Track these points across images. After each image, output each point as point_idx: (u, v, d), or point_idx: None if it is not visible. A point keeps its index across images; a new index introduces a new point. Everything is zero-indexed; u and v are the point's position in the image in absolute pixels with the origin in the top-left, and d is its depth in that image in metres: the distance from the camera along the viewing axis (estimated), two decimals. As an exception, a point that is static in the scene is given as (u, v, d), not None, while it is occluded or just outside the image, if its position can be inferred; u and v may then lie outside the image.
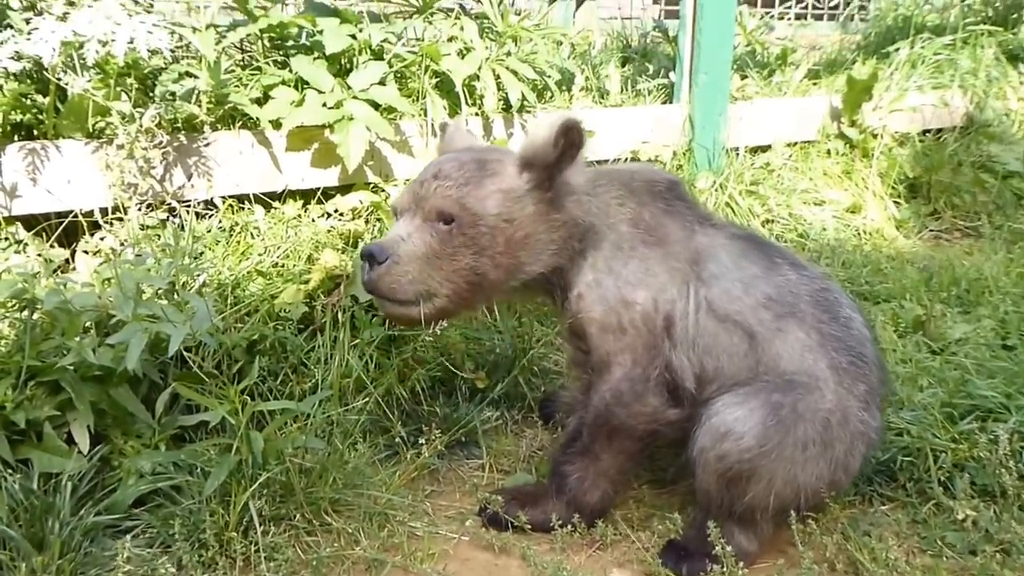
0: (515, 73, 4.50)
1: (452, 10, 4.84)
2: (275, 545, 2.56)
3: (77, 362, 2.69)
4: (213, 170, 3.83)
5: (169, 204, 3.72)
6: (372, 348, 3.34)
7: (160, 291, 3.12)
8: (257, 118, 3.89)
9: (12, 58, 3.29)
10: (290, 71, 4.05)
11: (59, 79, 3.46)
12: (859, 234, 5.40)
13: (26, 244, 3.48)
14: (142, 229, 3.59)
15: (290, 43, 4.31)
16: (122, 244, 3.54)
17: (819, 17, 9.22)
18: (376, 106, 4.01)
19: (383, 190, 4.16)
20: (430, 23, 4.63)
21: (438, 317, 2.79)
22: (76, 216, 3.57)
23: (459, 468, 3.17)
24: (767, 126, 5.65)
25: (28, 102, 3.59)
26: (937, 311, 4.09)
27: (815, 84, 6.35)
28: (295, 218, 3.98)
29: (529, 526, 2.74)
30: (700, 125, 5.29)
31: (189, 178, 3.78)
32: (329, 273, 3.55)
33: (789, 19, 8.46)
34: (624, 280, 2.72)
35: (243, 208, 3.94)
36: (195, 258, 3.56)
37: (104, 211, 3.60)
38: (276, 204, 4.01)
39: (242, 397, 2.63)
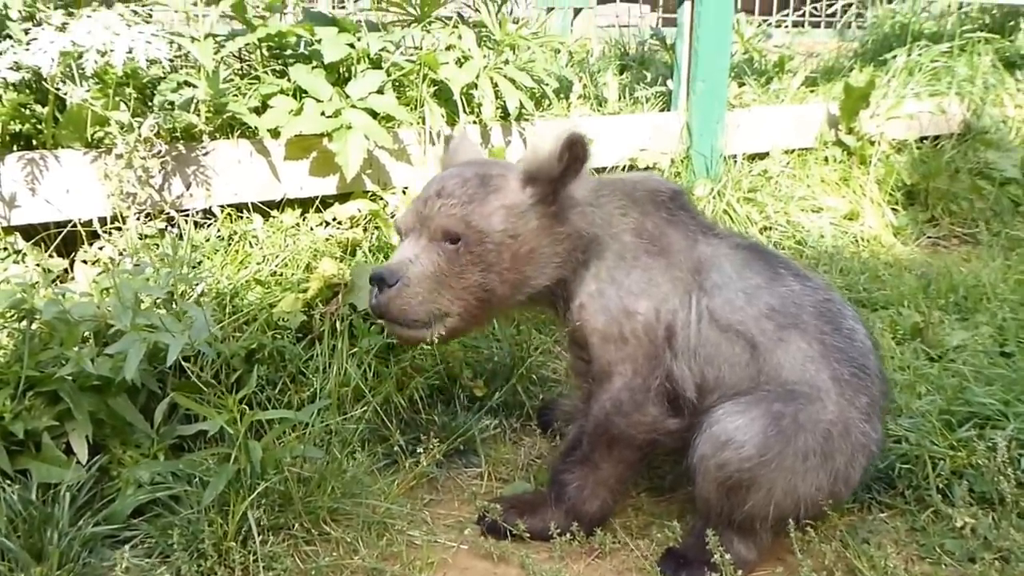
0: (513, 81, 4.50)
1: (450, 19, 4.85)
2: (274, 555, 2.56)
3: (76, 372, 2.69)
4: (212, 179, 3.83)
5: (168, 213, 3.72)
6: (370, 357, 3.35)
7: (159, 301, 3.12)
8: (256, 127, 3.89)
9: (11, 68, 3.29)
10: (288, 80, 4.06)
11: (58, 89, 3.47)
12: (857, 241, 5.40)
13: (25, 254, 3.49)
14: (141, 238, 3.60)
15: (288, 52, 4.32)
16: (121, 254, 3.54)
17: (816, 25, 9.23)
18: (374, 115, 4.01)
19: (381, 198, 4.16)
20: (428, 32, 4.63)
21: (449, 337, 2.80)
22: (75, 226, 3.58)
23: (458, 477, 3.16)
24: (765, 133, 5.65)
25: (27, 112, 3.60)
26: (935, 318, 4.10)
27: (812, 91, 6.36)
28: (293, 227, 3.98)
29: (528, 535, 2.74)
30: (698, 132, 5.30)
31: (188, 187, 3.79)
32: (327, 282, 3.55)
33: (786, 27, 8.47)
34: (627, 290, 2.71)
35: (242, 217, 3.95)
36: (194, 267, 3.57)
37: (103, 221, 3.60)
38: (275, 213, 4.01)
39: (240, 406, 2.63)
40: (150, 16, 3.81)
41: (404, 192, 4.12)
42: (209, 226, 3.87)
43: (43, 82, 3.46)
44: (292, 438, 2.87)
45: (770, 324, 2.63)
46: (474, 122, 4.50)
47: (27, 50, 3.29)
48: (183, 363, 2.84)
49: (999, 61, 7.04)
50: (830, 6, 9.22)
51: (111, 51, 3.34)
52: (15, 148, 3.59)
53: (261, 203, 3.99)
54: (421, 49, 4.51)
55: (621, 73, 6.11)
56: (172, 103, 3.77)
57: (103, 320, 2.92)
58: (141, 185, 3.60)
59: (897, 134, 6.05)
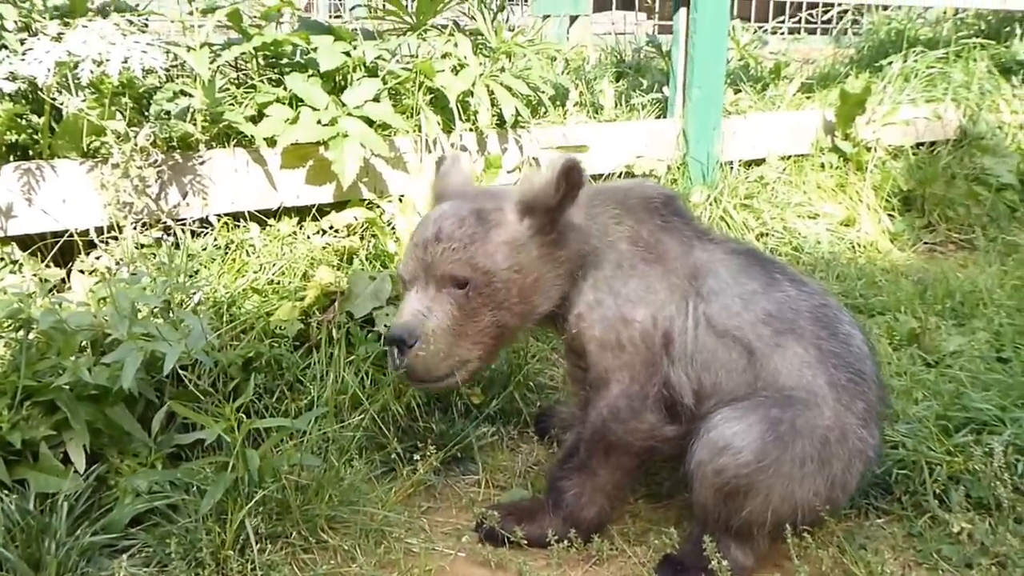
0: (509, 89, 4.51)
1: (446, 27, 4.85)
2: (272, 563, 2.56)
3: (73, 382, 2.70)
4: (208, 188, 3.83)
5: (164, 223, 3.72)
6: (367, 364, 3.35)
7: (156, 310, 3.12)
8: (252, 136, 3.90)
9: (7, 78, 3.29)
10: (284, 89, 4.06)
11: (54, 99, 3.47)
12: (853, 247, 5.41)
13: (21, 264, 3.49)
14: (137, 248, 3.60)
15: (284, 61, 4.32)
16: (117, 263, 3.54)
17: (812, 31, 9.24)
18: (370, 123, 4.02)
19: (378, 206, 4.16)
20: (424, 40, 4.64)
21: (471, 378, 2.83)
22: (71, 235, 3.58)
23: (455, 484, 3.17)
24: (761, 140, 5.66)
25: (23, 122, 3.60)
26: (932, 324, 4.10)
27: (808, 98, 6.37)
28: (290, 235, 3.99)
29: (525, 541, 2.74)
30: (694, 139, 5.30)
31: (184, 196, 3.79)
32: (324, 290, 3.56)
33: (782, 33, 8.47)
34: (624, 298, 2.71)
35: (238, 226, 3.95)
36: (190, 276, 3.56)
37: (99, 230, 3.60)
38: (271, 221, 4.01)
39: (238, 415, 2.63)
40: (146, 26, 3.81)
41: (400, 200, 4.12)
42: (206, 235, 3.87)
43: (39, 92, 3.47)
44: (290, 446, 2.88)
45: (767, 330, 2.64)
46: (470, 130, 4.51)
47: (23, 60, 3.30)
48: (180, 372, 2.85)
49: (995, 67, 7.05)
50: (826, 12, 9.24)
51: (107, 61, 3.34)
52: (11, 158, 3.59)
53: (258, 212, 3.99)
54: (417, 57, 4.52)
55: (617, 80, 6.12)
56: (168, 112, 3.77)
57: (100, 329, 2.92)
58: (138, 195, 3.60)
59: (893, 140, 6.05)
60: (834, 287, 4.65)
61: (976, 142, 6.27)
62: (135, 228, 3.62)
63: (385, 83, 4.23)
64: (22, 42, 3.41)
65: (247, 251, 3.85)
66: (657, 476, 3.15)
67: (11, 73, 3.31)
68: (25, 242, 3.56)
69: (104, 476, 2.73)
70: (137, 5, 4.25)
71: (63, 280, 3.55)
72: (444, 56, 4.54)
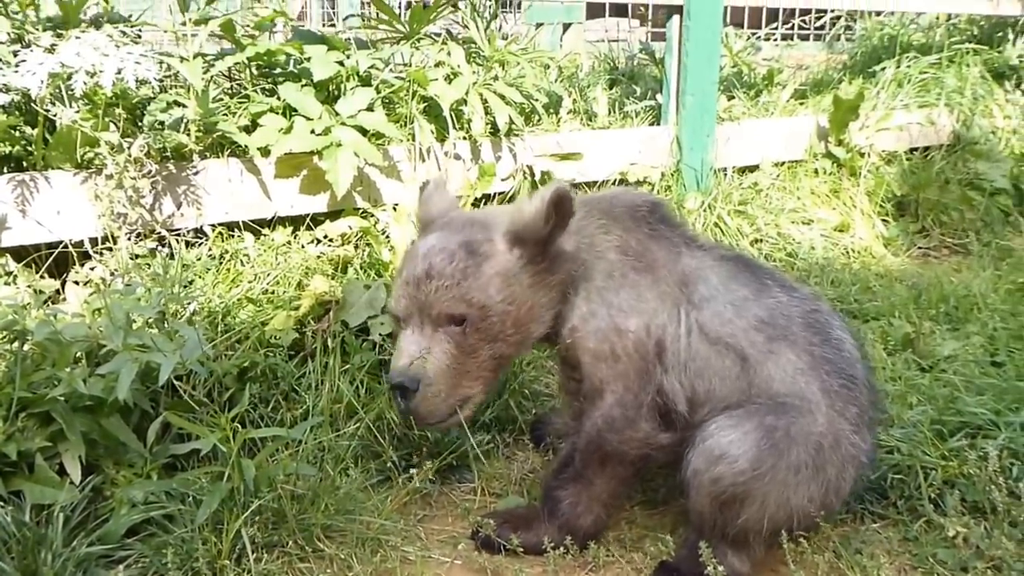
0: (502, 97, 4.51)
1: (439, 35, 4.86)
2: (268, 572, 2.56)
3: (68, 393, 2.69)
4: (202, 198, 3.84)
5: (159, 233, 3.73)
6: (363, 373, 3.35)
7: (150, 320, 3.12)
8: (246, 146, 3.90)
9: (0, 90, 3.30)
10: (278, 98, 4.07)
11: (47, 110, 3.47)
12: (847, 253, 5.42)
13: (16, 275, 3.49)
14: (132, 259, 3.60)
15: (278, 71, 4.33)
16: (112, 274, 3.55)
17: (805, 37, 9.25)
18: (364, 132, 4.02)
19: (372, 215, 4.17)
20: (417, 49, 4.65)
21: (475, 411, 2.83)
22: (66, 247, 3.58)
23: (451, 492, 3.16)
24: (754, 146, 5.67)
25: (16, 134, 3.60)
26: (926, 328, 4.11)
27: (802, 104, 6.38)
28: (285, 245, 3.99)
29: (522, 549, 2.73)
30: (688, 146, 5.31)
31: (178, 207, 3.79)
32: (319, 299, 3.56)
33: (775, 40, 8.49)
34: (616, 308, 2.71)
35: (233, 236, 3.95)
36: (185, 287, 3.57)
37: (94, 241, 3.61)
38: (265, 231, 4.02)
39: (233, 425, 2.63)
40: (139, 37, 3.82)
41: (395, 208, 4.12)
42: (200, 245, 3.88)
43: (32, 104, 3.47)
44: (285, 456, 2.88)
45: (759, 336, 2.64)
46: (464, 138, 4.51)
47: (16, 72, 3.30)
48: (175, 382, 2.85)
49: (988, 72, 7.07)
50: (819, 19, 9.24)
51: (100, 72, 3.35)
52: (5, 170, 3.59)
53: (252, 221, 4.00)
54: (410, 66, 4.52)
55: (611, 88, 6.12)
56: (162, 123, 3.78)
57: (95, 340, 2.92)
58: (132, 205, 3.60)
59: (887, 146, 6.07)
60: (828, 293, 4.66)
61: (969, 147, 6.29)
62: (129, 239, 3.63)
63: (379, 92, 4.24)
64: (15, 54, 3.42)
65: (241, 261, 3.86)
66: (653, 483, 3.15)
67: (4, 85, 3.31)
68: (19, 253, 3.56)
69: (100, 487, 2.73)
70: (130, 16, 4.26)
71: (57, 291, 3.55)
72: (437, 65, 4.55)
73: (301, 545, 2.68)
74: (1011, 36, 7.49)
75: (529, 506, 2.98)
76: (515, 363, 3.65)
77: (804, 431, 2.52)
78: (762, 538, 2.60)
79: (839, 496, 2.63)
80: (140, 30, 4.00)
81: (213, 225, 3.92)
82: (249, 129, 4.00)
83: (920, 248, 5.70)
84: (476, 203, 4.51)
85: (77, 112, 3.50)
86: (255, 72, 4.32)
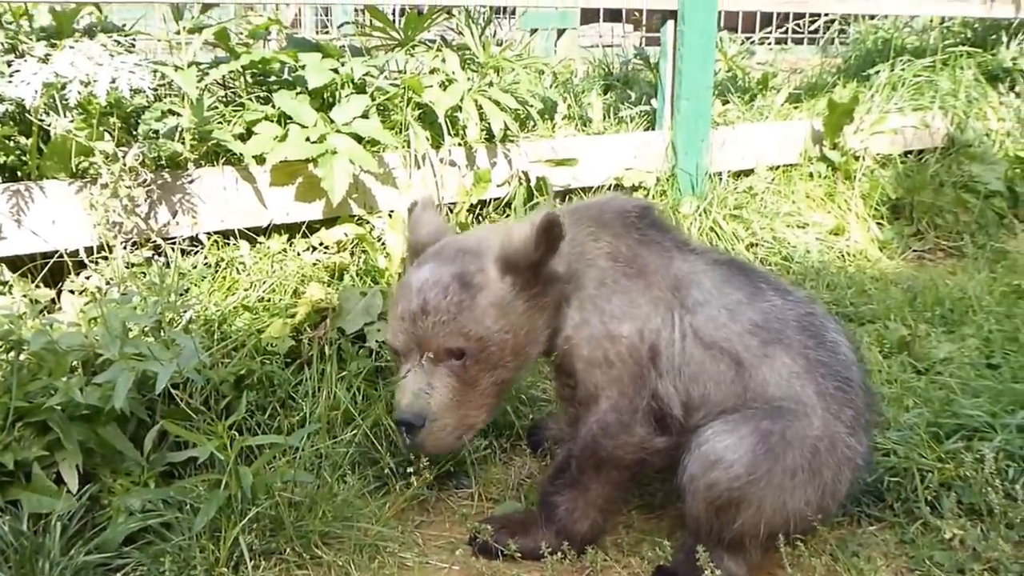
0: (497, 103, 4.51)
1: (434, 42, 4.87)
2: (266, 580, 2.57)
3: (65, 402, 2.69)
4: (198, 207, 3.84)
5: (154, 242, 3.73)
6: (359, 380, 3.35)
7: (147, 329, 3.12)
8: (241, 154, 3.91)
9: (-6, 101, 3.31)
10: (273, 106, 4.07)
11: (42, 120, 3.47)
12: (843, 256, 5.42)
13: (11, 285, 3.49)
14: (127, 267, 3.60)
15: (272, 79, 4.33)
16: (108, 283, 3.54)
17: (799, 41, 9.26)
18: (359, 139, 4.03)
19: (368, 222, 4.17)
20: (412, 56, 4.65)
21: (478, 433, 2.87)
22: (61, 256, 3.58)
23: (448, 498, 3.17)
24: (749, 150, 5.68)
25: (11, 144, 3.60)
26: (921, 331, 4.12)
27: (796, 108, 6.38)
28: (280, 252, 3.99)
29: (519, 554, 2.73)
30: (683, 151, 5.31)
31: (174, 215, 3.79)
32: (315, 306, 3.56)
33: (770, 44, 8.49)
34: (609, 315, 2.72)
35: (228, 244, 3.95)
36: (181, 295, 3.57)
37: (89, 250, 3.61)
38: (261, 239, 4.02)
39: (230, 432, 2.63)
40: (133, 46, 3.82)
41: (390, 215, 4.13)
42: (196, 253, 3.88)
43: (27, 114, 3.47)
44: (282, 463, 2.88)
45: (754, 340, 2.65)
46: (459, 144, 4.52)
47: (10, 82, 3.30)
48: (172, 390, 2.85)
49: (981, 75, 7.08)
50: (813, 23, 9.25)
51: (94, 81, 3.35)
52: (0, 180, 3.59)
53: (247, 229, 4.00)
54: (405, 73, 4.53)
55: (605, 93, 6.14)
56: (156, 132, 3.78)
57: (91, 349, 2.92)
58: (127, 214, 3.60)
59: (881, 149, 6.07)
60: (824, 296, 4.66)
61: (964, 150, 6.30)
62: (125, 248, 3.63)
63: (373, 99, 4.25)
64: (9, 64, 3.42)
65: (237, 269, 3.86)
66: (650, 487, 3.16)
67: (-1, 95, 3.32)
68: (15, 263, 3.56)
69: (97, 495, 2.73)
70: (124, 25, 4.26)
71: (53, 301, 3.56)
72: (432, 72, 4.55)
73: (299, 552, 2.69)
74: (1005, 38, 7.48)
75: (526, 511, 2.98)
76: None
77: (800, 435, 2.52)
78: (759, 542, 2.60)
79: (835, 499, 2.64)
80: (134, 39, 4.00)
81: (208, 233, 3.92)
82: (244, 137, 4.00)
83: (915, 251, 5.71)
84: (472, 209, 4.52)
85: (71, 122, 3.50)
86: (250, 80, 4.33)
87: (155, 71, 3.68)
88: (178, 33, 3.99)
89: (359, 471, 3.10)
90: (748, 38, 8.09)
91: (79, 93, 3.34)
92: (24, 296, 3.44)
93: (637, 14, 8.56)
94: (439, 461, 3.16)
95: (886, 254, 5.58)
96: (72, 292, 3.56)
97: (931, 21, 8.03)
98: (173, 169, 3.84)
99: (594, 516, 2.80)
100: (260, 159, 3.91)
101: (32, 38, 3.72)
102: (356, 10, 7.30)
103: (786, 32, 8.92)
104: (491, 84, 4.67)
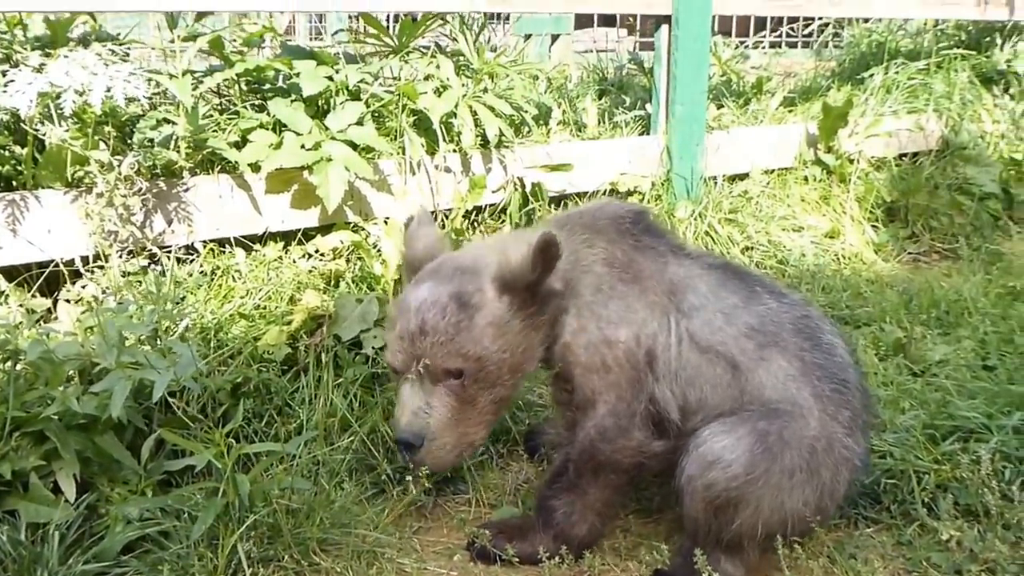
0: (492, 109, 4.52)
1: (428, 49, 4.87)
2: (264, 587, 2.57)
3: (61, 411, 2.69)
4: (193, 215, 3.84)
5: (150, 250, 3.73)
6: (356, 387, 3.36)
7: (143, 338, 3.12)
8: (236, 162, 3.91)
9: (-11, 110, 3.31)
10: (268, 114, 4.08)
11: (37, 130, 3.48)
12: (838, 259, 5.43)
13: (7, 295, 3.49)
14: (123, 276, 3.60)
15: (267, 86, 4.34)
16: (104, 292, 3.54)
17: (793, 45, 9.29)
18: (354, 146, 4.03)
19: (363, 229, 4.17)
20: (406, 62, 4.65)
21: (478, 448, 2.92)
22: (57, 265, 3.58)
23: (446, 504, 3.17)
24: (744, 154, 5.68)
25: (6, 153, 3.61)
26: (917, 333, 4.12)
27: (791, 111, 6.39)
28: (276, 260, 3.99)
29: (517, 559, 2.73)
30: (678, 155, 5.32)
31: (169, 224, 3.79)
32: (311, 313, 3.56)
33: (764, 48, 8.51)
34: (606, 320, 2.72)
35: (224, 252, 3.96)
36: (177, 303, 3.57)
37: (85, 259, 3.60)
38: (257, 247, 4.02)
39: (227, 440, 2.63)
40: (127, 54, 3.82)
41: (386, 222, 4.13)
42: (192, 262, 3.88)
43: (22, 123, 3.47)
44: (280, 470, 2.88)
45: (750, 343, 2.65)
46: (454, 150, 4.52)
47: (5, 92, 3.30)
48: (169, 399, 2.85)
49: (976, 77, 7.09)
50: (807, 26, 9.27)
51: (89, 91, 3.35)
52: (-5, 190, 3.60)
53: (243, 237, 4.00)
54: (400, 80, 4.53)
55: (600, 98, 6.14)
56: (152, 140, 3.78)
57: (88, 359, 2.92)
58: (123, 223, 3.61)
59: (876, 152, 6.09)
60: (820, 299, 4.67)
61: (958, 152, 6.31)
62: (121, 257, 3.63)
63: (368, 106, 4.25)
64: (4, 74, 3.42)
65: (233, 277, 3.86)
66: (647, 491, 3.16)
67: (-7, 105, 3.32)
68: (11, 273, 3.56)
69: (95, 504, 2.73)
70: (118, 34, 4.26)
71: (49, 310, 3.55)
72: (427, 78, 4.55)
73: (297, 559, 2.69)
74: (999, 41, 7.50)
75: (524, 516, 2.98)
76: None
77: (797, 435, 2.53)
78: (756, 543, 2.60)
79: (833, 499, 2.64)
80: (128, 48, 4.00)
81: (204, 241, 3.92)
82: (239, 145, 4.00)
83: (910, 253, 5.71)
84: (467, 215, 4.52)
85: (66, 131, 3.51)
86: (244, 88, 4.33)
87: (150, 80, 3.68)
88: (172, 41, 3.99)
89: (356, 478, 3.10)
90: (742, 42, 8.10)
91: (74, 102, 3.34)
92: (20, 306, 3.44)
93: (631, 19, 8.60)
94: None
95: (881, 257, 5.58)
96: (68, 301, 3.55)
97: (925, 24, 8.04)
98: (168, 177, 3.85)
99: (592, 520, 2.81)
100: (255, 167, 3.92)
101: (27, 48, 3.73)
102: (350, 17, 7.31)
103: (780, 36, 8.95)
104: (486, 90, 4.67)
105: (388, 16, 6.71)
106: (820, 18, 8.78)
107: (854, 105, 5.99)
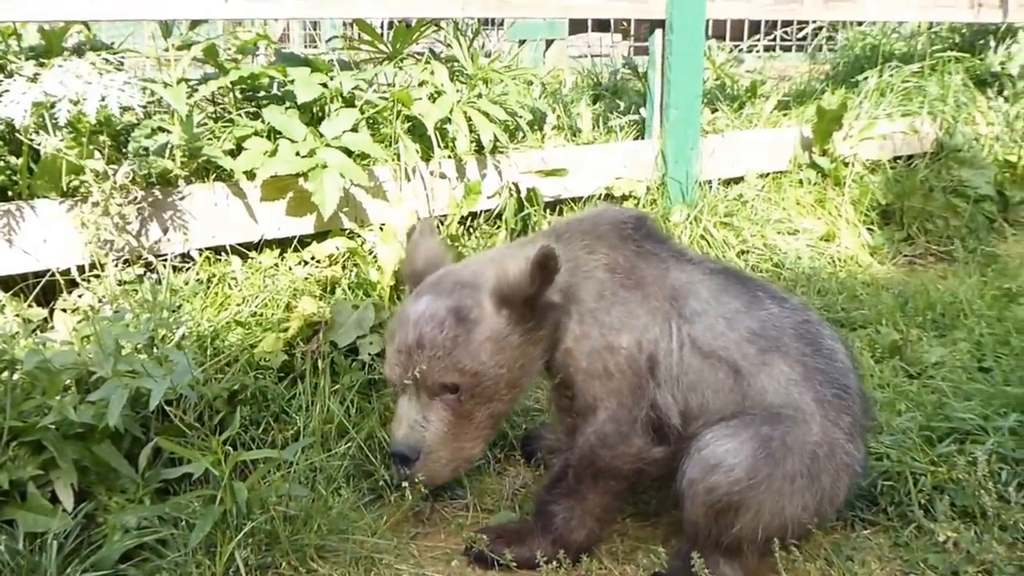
0: (486, 115, 4.52)
1: (422, 55, 4.88)
2: (262, 594, 2.57)
3: (59, 420, 2.69)
4: (189, 223, 3.85)
5: (146, 259, 3.73)
6: (353, 393, 3.36)
7: (139, 346, 3.12)
8: (231, 170, 3.91)
9: (-16, 121, 3.31)
10: (262, 122, 4.08)
11: (31, 140, 3.48)
12: (834, 262, 5.43)
13: (3, 305, 3.49)
14: (119, 285, 3.60)
15: (262, 94, 4.34)
16: (100, 301, 3.55)
17: (788, 48, 9.29)
18: (349, 153, 4.03)
19: (359, 236, 4.17)
20: (401, 69, 4.66)
21: (474, 462, 2.91)
22: (53, 275, 3.58)
23: (443, 509, 3.16)
24: (739, 158, 5.69)
25: (1, 164, 3.60)
26: (913, 336, 4.12)
27: (785, 115, 6.40)
28: (272, 267, 3.99)
29: (515, 564, 2.73)
30: (672, 159, 5.32)
31: (165, 232, 3.80)
32: (307, 320, 3.57)
33: (758, 51, 8.51)
34: (608, 327, 2.72)
35: (220, 259, 3.96)
36: (173, 311, 3.57)
37: (81, 269, 3.61)
38: (253, 254, 4.02)
39: (224, 448, 2.63)
40: (122, 63, 3.82)
41: (381, 228, 4.13)
42: (187, 270, 3.88)
43: (16, 133, 3.47)
44: (277, 477, 2.88)
45: (752, 348, 2.65)
46: (449, 156, 4.53)
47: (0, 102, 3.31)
48: (166, 407, 2.85)
49: (970, 80, 7.11)
50: (800, 30, 9.28)
51: (84, 100, 3.35)
52: (-10, 200, 3.60)
53: (239, 245, 4.00)
54: (394, 86, 4.53)
55: (594, 103, 6.15)
56: (147, 149, 3.78)
57: (85, 368, 2.92)
58: (118, 232, 3.61)
59: (871, 155, 6.09)
60: (816, 302, 4.67)
61: (953, 154, 6.32)
62: (117, 265, 3.63)
63: (363, 113, 4.25)
64: (-2, 84, 3.43)
65: (229, 284, 3.86)
66: (645, 495, 3.15)
67: (-12, 115, 3.32)
68: (7, 283, 3.57)
69: (93, 513, 2.73)
70: (112, 43, 4.27)
71: (46, 320, 3.55)
72: (421, 84, 4.56)
73: (295, 566, 2.69)
74: (992, 43, 7.51)
75: (522, 521, 2.98)
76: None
77: (800, 440, 2.53)
78: (755, 547, 2.60)
79: (833, 505, 2.64)
80: (123, 57, 4.00)
81: (200, 249, 3.92)
82: (234, 153, 4.00)
83: (906, 256, 5.71)
84: (463, 221, 4.52)
85: (61, 141, 3.51)
86: (239, 96, 4.34)
87: (144, 88, 3.68)
88: (167, 50, 4.00)
89: (354, 484, 3.10)
90: (736, 46, 8.11)
91: (68, 112, 3.35)
92: (16, 315, 3.44)
93: (625, 24, 8.60)
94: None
95: (877, 259, 5.59)
96: (64, 311, 3.56)
97: (919, 27, 8.06)
98: (164, 186, 3.85)
99: (591, 525, 2.80)
100: (250, 174, 3.91)
101: (21, 57, 3.73)
102: (344, 24, 7.32)
103: (774, 40, 8.96)
104: (480, 96, 4.68)
105: (382, 23, 6.72)
106: (814, 21, 8.79)
107: (848, 108, 6.00)
